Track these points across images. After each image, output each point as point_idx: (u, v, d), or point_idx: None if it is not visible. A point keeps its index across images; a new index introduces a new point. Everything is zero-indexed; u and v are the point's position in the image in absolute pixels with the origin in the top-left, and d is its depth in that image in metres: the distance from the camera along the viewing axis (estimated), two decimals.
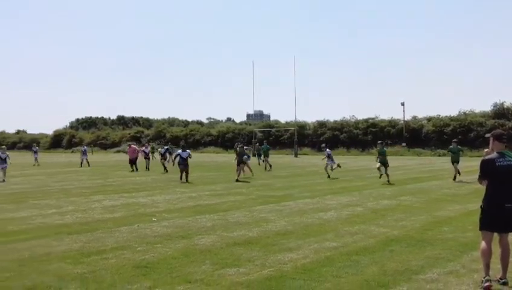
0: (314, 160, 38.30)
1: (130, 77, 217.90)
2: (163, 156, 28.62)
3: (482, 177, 5.77)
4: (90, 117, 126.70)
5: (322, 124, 60.36)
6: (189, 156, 21.25)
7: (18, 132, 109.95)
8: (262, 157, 30.14)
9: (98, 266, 6.66)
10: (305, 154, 52.73)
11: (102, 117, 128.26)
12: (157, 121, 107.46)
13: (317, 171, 25.47)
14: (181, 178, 20.36)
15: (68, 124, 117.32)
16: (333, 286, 5.69)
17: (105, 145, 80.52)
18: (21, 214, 11.66)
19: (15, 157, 48.12)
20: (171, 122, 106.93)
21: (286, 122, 66.72)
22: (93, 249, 7.73)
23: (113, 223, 10.25)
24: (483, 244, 5.67)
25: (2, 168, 22.43)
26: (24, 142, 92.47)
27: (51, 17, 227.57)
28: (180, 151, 21.31)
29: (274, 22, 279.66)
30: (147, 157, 30.16)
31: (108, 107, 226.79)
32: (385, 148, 20.75)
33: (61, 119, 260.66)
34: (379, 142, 21.47)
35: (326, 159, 22.40)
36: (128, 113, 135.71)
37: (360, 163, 34.58)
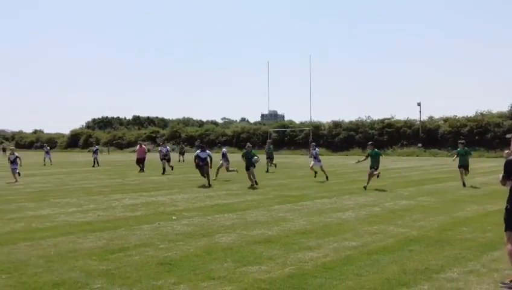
0: (330, 160, 38.31)
1: (145, 77, 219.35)
2: (165, 156, 26.36)
3: (506, 177, 5.79)
4: (106, 117, 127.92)
5: (337, 124, 60.20)
6: (209, 156, 18.95)
7: (35, 131, 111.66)
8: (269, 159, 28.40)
9: (122, 263, 6.83)
10: (320, 154, 52.57)
11: (118, 117, 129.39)
12: (172, 121, 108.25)
13: (334, 172, 25.51)
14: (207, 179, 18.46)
15: (84, 124, 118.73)
16: (354, 284, 5.77)
17: (121, 145, 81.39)
18: (43, 212, 11.91)
19: (31, 157, 48.95)
20: (186, 122, 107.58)
21: (301, 123, 66.73)
22: (116, 247, 7.91)
23: (134, 221, 10.45)
24: (509, 246, 5.66)
25: (13, 170, 21.66)
26: (41, 142, 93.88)
27: (68, 17, 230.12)
28: (198, 151, 19.23)
29: (289, 22, 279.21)
30: (164, 158, 26.25)
31: (123, 107, 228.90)
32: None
33: (78, 119, 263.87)
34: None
35: (312, 159, 21.86)
36: (143, 113, 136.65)
37: None
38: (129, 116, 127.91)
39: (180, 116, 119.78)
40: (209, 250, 7.58)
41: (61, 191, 17.08)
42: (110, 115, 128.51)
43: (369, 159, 17.35)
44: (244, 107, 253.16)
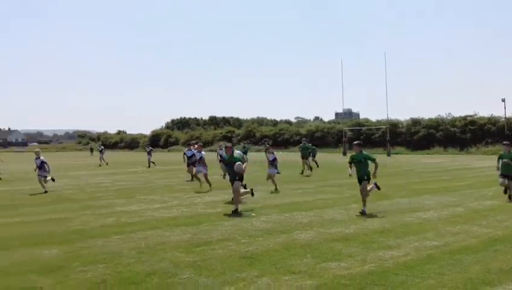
0: (410, 159, 37.20)
1: (222, 79, 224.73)
2: (190, 158, 20.23)
3: None
4: (184, 118, 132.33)
5: (416, 122, 58.13)
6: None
7: (119, 132, 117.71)
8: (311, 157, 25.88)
9: (207, 256, 7.22)
10: (398, 153, 51.18)
11: (195, 118, 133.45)
12: (246, 120, 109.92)
13: (412, 171, 24.81)
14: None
15: (164, 125, 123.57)
16: (436, 282, 5.73)
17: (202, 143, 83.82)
18: (131, 208, 12.71)
19: (114, 156, 51.76)
20: (260, 121, 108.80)
21: (377, 121, 65.17)
22: (201, 240, 8.34)
23: (215, 217, 10.90)
24: None
25: (40, 176, 17.37)
26: (125, 142, 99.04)
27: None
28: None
29: (363, 20, 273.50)
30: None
31: (200, 108, 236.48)
32: None
33: (158, 120, 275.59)
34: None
35: (268, 165, 16.96)
36: (219, 114, 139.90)
37: (458, 163, 33.02)
38: (205, 117, 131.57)
39: (255, 116, 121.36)
40: (288, 246, 7.79)
41: (146, 188, 18.06)
42: (187, 116, 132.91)
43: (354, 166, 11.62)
44: (318, 106, 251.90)
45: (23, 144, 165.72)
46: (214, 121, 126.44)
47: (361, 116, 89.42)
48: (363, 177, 11.32)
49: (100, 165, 35.75)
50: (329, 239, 8.29)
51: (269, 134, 73.99)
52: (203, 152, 18.52)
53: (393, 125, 57.44)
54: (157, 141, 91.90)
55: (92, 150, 37.21)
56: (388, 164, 33.09)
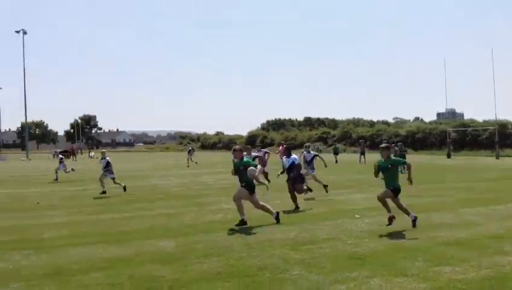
0: None
1: (315, 80, 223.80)
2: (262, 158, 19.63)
3: None
4: (279, 119, 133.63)
5: None
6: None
7: (217, 133, 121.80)
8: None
9: (315, 254, 7.35)
10: (507, 155, 47.63)
11: (290, 119, 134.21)
12: (342, 121, 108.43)
13: None
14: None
15: (260, 126, 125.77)
16: None
17: (294, 145, 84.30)
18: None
19: (211, 156, 53.71)
20: (356, 122, 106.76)
21: (484, 121, 61.13)
22: (306, 239, 8.49)
23: (317, 217, 11.00)
24: None
25: (105, 177, 17.27)
26: (223, 143, 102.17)
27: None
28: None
29: (467, 17, 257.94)
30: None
31: (296, 108, 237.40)
32: None
33: (254, 121, 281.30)
34: None
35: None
36: (314, 115, 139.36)
37: None
38: (300, 118, 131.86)
39: (350, 117, 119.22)
40: (396, 248, 7.69)
41: None
42: (282, 117, 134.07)
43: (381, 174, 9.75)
44: (417, 106, 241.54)
45: (130, 144, 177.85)
46: (308, 122, 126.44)
47: (466, 117, 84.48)
48: (391, 186, 9.31)
49: (188, 166, 35.29)
50: (439, 243, 8.03)
51: (366, 135, 72.30)
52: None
53: (503, 126, 53.47)
54: (254, 141, 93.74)
55: (191, 150, 38.71)
56: (498, 166, 30.97)
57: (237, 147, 11.12)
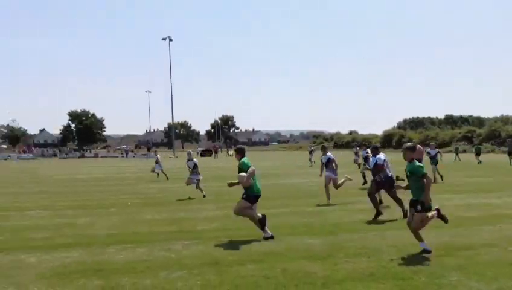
0: None
1: (453, 75, 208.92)
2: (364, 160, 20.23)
3: None
4: (417, 117, 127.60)
5: None
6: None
7: (351, 132, 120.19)
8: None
9: (473, 260, 6.91)
10: None
11: (429, 117, 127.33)
12: (489, 119, 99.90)
13: None
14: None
15: (396, 125, 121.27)
16: None
17: (437, 144, 79.67)
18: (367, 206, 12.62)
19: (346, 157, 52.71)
20: (505, 120, 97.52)
21: None
22: (461, 244, 7.99)
23: (472, 221, 10.31)
24: None
25: (191, 180, 16.53)
26: (357, 142, 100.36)
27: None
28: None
29: None
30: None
31: (435, 106, 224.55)
32: None
33: (390, 120, 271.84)
34: None
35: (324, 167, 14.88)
36: (456, 112, 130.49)
37: None
38: (441, 116, 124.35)
39: (498, 114, 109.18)
40: None
41: (331, 190, 15.37)
42: (421, 115, 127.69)
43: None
44: None
45: (265, 143, 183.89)
46: (450, 120, 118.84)
47: None
48: (415, 203, 7.49)
49: (311, 166, 35.14)
50: None
51: None
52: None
53: None
54: (390, 141, 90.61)
55: (312, 151, 38.56)
56: None
57: (237, 147, 9.91)
